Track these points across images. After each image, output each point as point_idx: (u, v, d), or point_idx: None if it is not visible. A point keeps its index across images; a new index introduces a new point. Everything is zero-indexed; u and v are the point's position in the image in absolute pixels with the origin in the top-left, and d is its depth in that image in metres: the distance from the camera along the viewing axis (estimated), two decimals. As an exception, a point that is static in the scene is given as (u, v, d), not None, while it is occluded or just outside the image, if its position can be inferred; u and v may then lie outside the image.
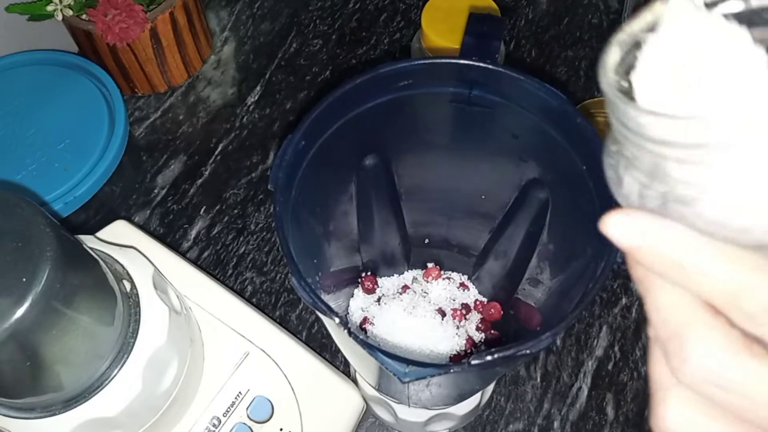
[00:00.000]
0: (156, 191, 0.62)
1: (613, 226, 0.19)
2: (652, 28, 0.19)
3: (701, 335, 0.18)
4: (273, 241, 0.59)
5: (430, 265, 0.51)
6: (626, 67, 0.20)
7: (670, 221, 0.18)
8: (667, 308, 0.18)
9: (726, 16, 0.18)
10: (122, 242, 0.41)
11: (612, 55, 0.20)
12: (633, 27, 0.19)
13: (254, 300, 0.56)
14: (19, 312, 0.28)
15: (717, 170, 0.17)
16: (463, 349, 0.46)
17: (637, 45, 0.19)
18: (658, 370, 0.19)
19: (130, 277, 0.37)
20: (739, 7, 0.18)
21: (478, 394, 0.48)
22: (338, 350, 0.53)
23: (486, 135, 0.41)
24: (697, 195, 0.17)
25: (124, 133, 0.56)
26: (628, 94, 0.20)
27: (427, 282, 0.50)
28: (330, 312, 0.30)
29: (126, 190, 0.61)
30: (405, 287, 0.50)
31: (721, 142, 0.16)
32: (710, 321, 0.18)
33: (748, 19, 0.18)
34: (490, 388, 0.50)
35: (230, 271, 0.58)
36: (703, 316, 0.18)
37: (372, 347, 0.29)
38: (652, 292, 0.19)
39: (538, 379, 0.52)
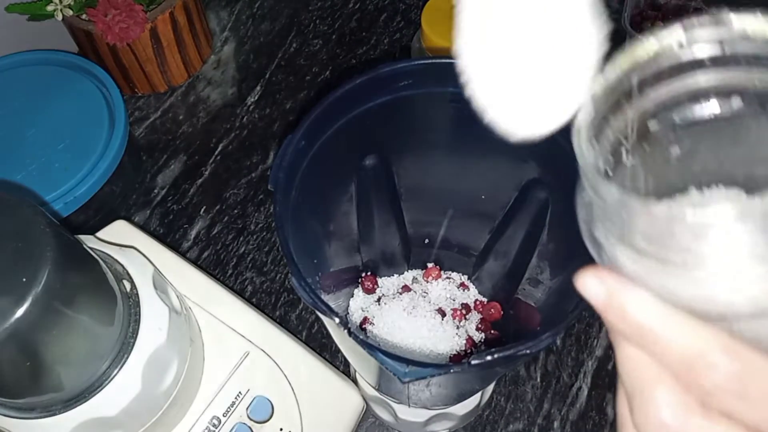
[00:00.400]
0: (156, 191, 0.62)
1: (585, 283, 0.20)
2: (626, 79, 0.19)
3: (661, 396, 0.18)
4: (273, 241, 0.59)
5: (430, 265, 0.51)
6: (601, 128, 0.20)
7: (637, 286, 0.19)
8: (633, 364, 0.19)
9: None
10: (122, 242, 0.41)
11: (586, 115, 0.20)
12: (608, 74, 0.19)
13: (254, 300, 0.56)
14: (20, 312, 0.28)
15: (682, 249, 0.17)
16: (463, 349, 0.46)
17: (617, 103, 0.19)
18: (623, 412, 0.20)
19: (130, 277, 0.37)
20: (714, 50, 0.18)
21: (478, 394, 0.48)
22: (338, 350, 0.53)
23: (486, 135, 0.41)
24: (662, 267, 0.18)
25: (124, 133, 0.56)
26: (603, 150, 0.20)
27: (427, 282, 0.50)
28: (330, 312, 0.30)
29: (126, 190, 0.61)
30: (405, 287, 0.50)
31: (688, 227, 0.17)
32: (670, 383, 0.18)
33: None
34: (490, 388, 0.50)
35: (230, 271, 0.58)
36: (664, 377, 0.19)
37: (372, 347, 0.29)
38: (622, 345, 0.20)
39: (538, 379, 0.52)
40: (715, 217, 0.16)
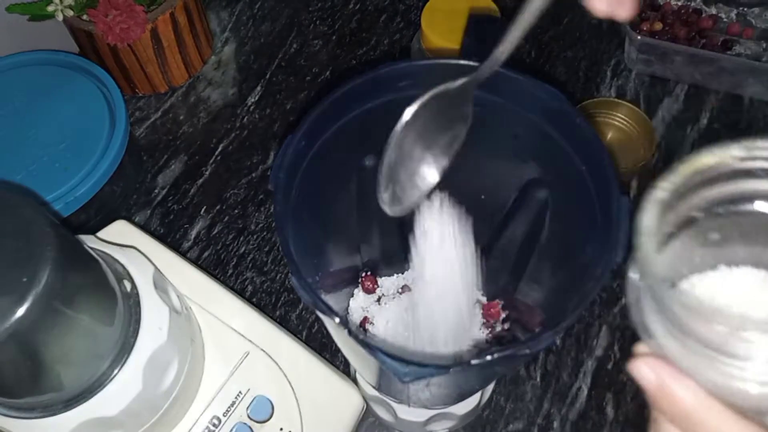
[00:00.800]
0: (156, 191, 0.62)
1: (639, 370, 0.23)
2: (689, 183, 0.22)
3: None
4: (273, 241, 0.59)
5: (430, 265, 0.51)
6: (665, 229, 0.23)
7: (684, 377, 0.22)
8: None
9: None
10: (123, 242, 0.41)
11: (648, 216, 0.22)
12: (671, 181, 0.22)
13: (254, 300, 0.56)
14: (20, 312, 0.28)
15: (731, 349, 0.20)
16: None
17: (673, 202, 0.22)
18: None
19: (131, 277, 0.37)
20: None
21: (478, 394, 0.48)
22: (338, 350, 0.53)
23: (486, 135, 0.41)
24: (709, 363, 0.21)
25: (125, 133, 0.56)
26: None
27: (427, 282, 0.50)
28: (330, 311, 0.30)
29: (126, 190, 0.61)
30: (405, 287, 0.50)
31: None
32: None
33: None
34: (490, 387, 0.50)
35: (230, 271, 0.58)
36: None
37: (372, 347, 0.29)
38: (664, 425, 0.23)
39: (538, 379, 0.52)
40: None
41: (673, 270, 0.24)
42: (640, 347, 0.24)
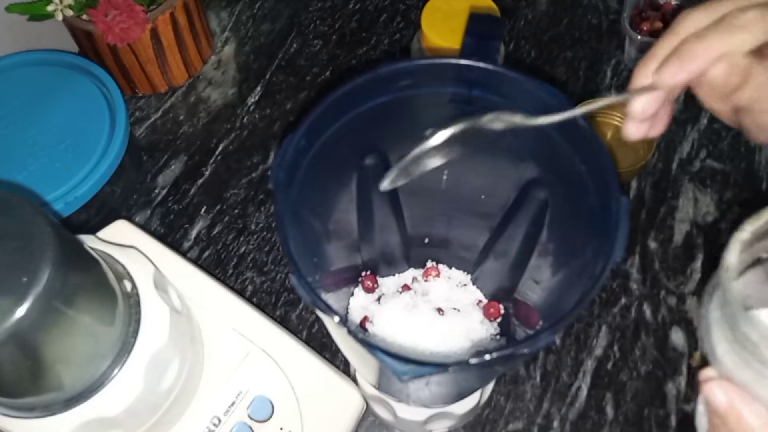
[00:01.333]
0: (157, 191, 0.62)
1: (711, 391, 0.26)
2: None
3: None
4: (273, 241, 0.59)
5: (429, 264, 0.51)
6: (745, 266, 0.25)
7: (752, 400, 0.25)
8: None
9: None
10: (123, 242, 0.41)
11: (732, 254, 0.24)
12: (754, 224, 0.25)
13: (255, 299, 0.56)
14: (20, 312, 0.28)
15: None
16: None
17: (749, 243, 0.25)
18: None
19: (131, 277, 0.37)
20: None
21: (478, 393, 0.48)
22: (338, 349, 0.53)
23: (486, 135, 0.41)
24: None
25: (125, 133, 0.56)
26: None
27: (427, 281, 0.50)
28: (330, 311, 0.30)
29: (127, 190, 0.61)
30: (405, 286, 0.50)
31: None
32: None
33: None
34: (490, 387, 0.50)
35: (231, 271, 0.58)
36: None
37: (371, 346, 0.29)
38: None
39: (538, 379, 0.52)
40: None
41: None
42: (709, 371, 0.26)
